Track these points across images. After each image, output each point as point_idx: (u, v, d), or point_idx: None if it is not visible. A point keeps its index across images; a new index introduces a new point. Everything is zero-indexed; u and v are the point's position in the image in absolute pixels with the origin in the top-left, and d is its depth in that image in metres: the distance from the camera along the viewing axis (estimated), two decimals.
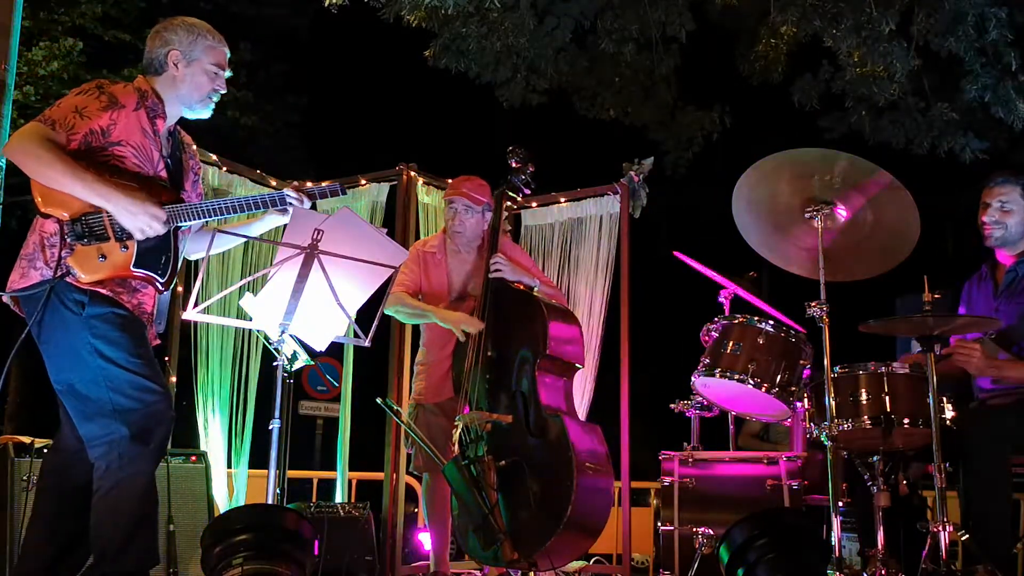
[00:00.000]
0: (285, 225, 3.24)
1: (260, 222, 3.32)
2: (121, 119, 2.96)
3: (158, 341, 3.14)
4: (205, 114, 3.23)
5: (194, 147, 3.34)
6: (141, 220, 2.91)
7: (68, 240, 2.86)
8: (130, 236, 2.93)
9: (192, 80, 3.12)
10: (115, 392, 2.87)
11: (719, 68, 8.60)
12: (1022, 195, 3.69)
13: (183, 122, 3.28)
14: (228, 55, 3.22)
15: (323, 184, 3.26)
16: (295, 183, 3.25)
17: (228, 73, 3.22)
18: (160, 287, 3.04)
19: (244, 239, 3.49)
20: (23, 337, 2.88)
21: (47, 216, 2.89)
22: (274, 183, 5.18)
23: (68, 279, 2.87)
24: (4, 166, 3.87)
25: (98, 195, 2.87)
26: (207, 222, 3.17)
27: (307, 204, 3.22)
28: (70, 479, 3.02)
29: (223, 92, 3.22)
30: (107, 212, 2.89)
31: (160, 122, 3.09)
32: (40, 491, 3.10)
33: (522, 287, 4.14)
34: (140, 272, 2.95)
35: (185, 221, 3.04)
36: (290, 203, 3.17)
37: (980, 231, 3.78)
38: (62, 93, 4.37)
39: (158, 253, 2.99)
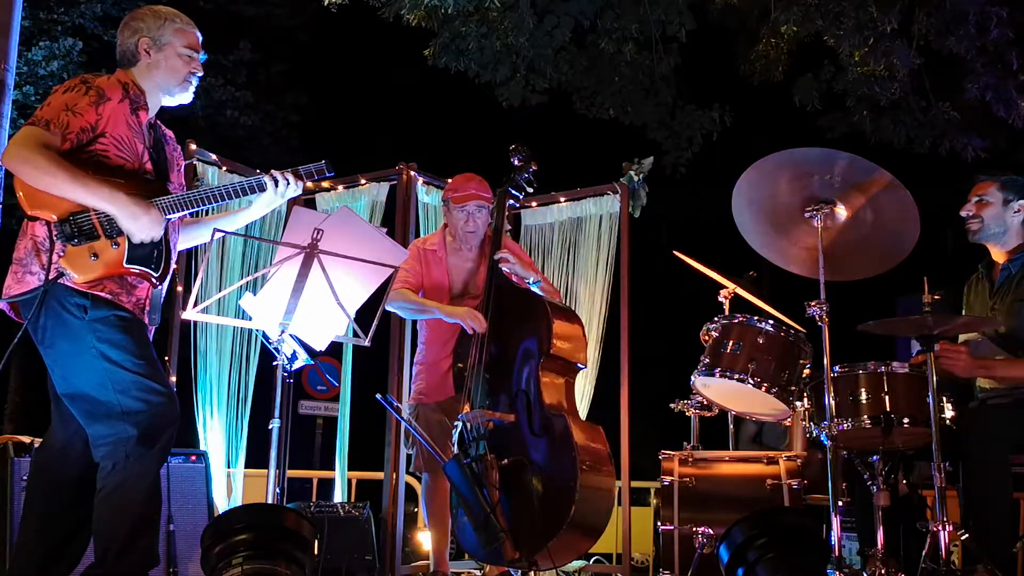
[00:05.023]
0: (285, 224, 3.22)
1: (249, 209, 3.29)
2: (107, 112, 2.95)
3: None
4: (186, 98, 3.21)
5: (175, 140, 3.32)
6: (143, 224, 2.91)
7: (58, 242, 2.85)
8: (120, 232, 2.91)
9: (167, 64, 3.12)
10: (122, 394, 2.86)
11: (719, 68, 8.61)
12: (999, 188, 3.76)
13: (170, 124, 3.28)
14: (200, 37, 3.21)
15: (309, 165, 3.20)
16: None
17: (203, 56, 3.21)
18: (155, 281, 3.02)
19: (240, 229, 3.42)
20: (19, 337, 2.87)
21: (34, 219, 2.88)
22: None
23: (64, 281, 2.86)
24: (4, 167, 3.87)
25: (102, 199, 2.87)
26: (194, 212, 3.15)
27: (294, 185, 3.16)
28: (58, 476, 3.01)
29: (201, 74, 3.20)
30: (95, 210, 2.88)
31: (143, 114, 3.08)
32: (29, 490, 3.10)
33: (524, 285, 4.15)
34: (134, 268, 2.94)
35: (174, 213, 3.03)
36: (269, 184, 3.13)
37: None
38: None
39: (150, 247, 2.97)
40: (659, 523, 4.08)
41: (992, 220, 3.74)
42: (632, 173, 5.35)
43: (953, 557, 3.33)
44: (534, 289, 4.16)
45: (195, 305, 3.30)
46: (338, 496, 5.36)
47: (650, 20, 7.47)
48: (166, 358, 4.64)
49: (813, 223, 3.47)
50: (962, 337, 3.78)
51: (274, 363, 3.37)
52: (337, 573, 4.35)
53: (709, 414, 4.42)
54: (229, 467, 4.96)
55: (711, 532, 3.79)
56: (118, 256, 2.91)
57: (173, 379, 4.63)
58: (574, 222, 5.57)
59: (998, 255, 3.80)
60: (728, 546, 3.00)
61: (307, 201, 5.43)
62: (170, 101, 3.20)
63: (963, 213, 3.81)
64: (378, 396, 3.77)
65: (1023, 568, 4.34)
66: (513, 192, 4.31)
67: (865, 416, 3.36)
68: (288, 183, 3.16)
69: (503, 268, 4.08)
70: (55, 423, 3.05)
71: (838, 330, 3.39)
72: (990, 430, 3.40)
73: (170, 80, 3.14)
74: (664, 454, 4.18)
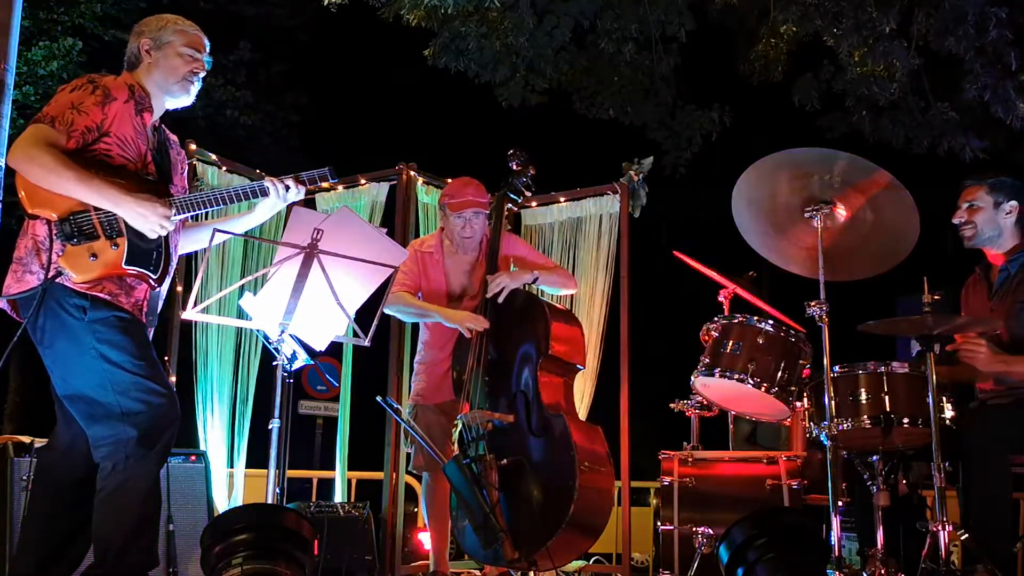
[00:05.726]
0: (285, 225, 3.23)
1: (252, 213, 3.31)
2: (112, 112, 2.97)
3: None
4: (187, 100, 3.22)
5: (178, 144, 3.34)
6: (152, 222, 2.93)
7: (58, 241, 2.86)
8: (120, 233, 2.92)
9: (165, 63, 3.14)
10: (122, 395, 2.87)
11: (719, 68, 8.61)
12: (988, 192, 3.73)
13: (170, 124, 3.28)
14: (206, 41, 3.23)
15: (312, 171, 3.23)
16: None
17: (208, 58, 3.22)
18: (153, 283, 3.03)
19: (242, 233, 3.45)
20: (18, 335, 2.88)
21: (35, 217, 2.89)
22: None
23: (64, 281, 2.87)
24: (4, 165, 3.86)
25: (108, 200, 2.88)
26: (196, 215, 3.16)
27: (295, 190, 3.20)
28: (63, 476, 3.02)
29: (202, 74, 3.21)
30: (95, 210, 2.89)
31: (147, 115, 3.10)
32: (34, 491, 3.11)
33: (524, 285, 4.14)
34: (132, 269, 2.94)
35: (177, 215, 3.04)
36: (271, 189, 3.16)
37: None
38: None
39: (149, 249, 2.98)
40: (659, 523, 4.09)
41: (985, 224, 3.72)
42: (632, 173, 5.35)
43: (953, 557, 3.33)
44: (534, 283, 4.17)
45: (195, 305, 3.30)
46: (338, 496, 5.36)
47: (650, 20, 7.47)
48: (166, 358, 4.64)
49: (813, 223, 3.47)
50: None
51: (274, 363, 3.37)
52: (337, 573, 4.35)
53: (709, 414, 4.43)
54: (229, 467, 4.96)
55: (711, 532, 3.79)
56: (117, 257, 2.91)
57: (173, 379, 4.63)
58: (574, 222, 5.57)
59: (995, 257, 3.79)
60: (728, 546, 3.00)
61: (307, 201, 5.42)
62: (173, 103, 3.21)
63: (955, 221, 3.78)
64: (378, 398, 3.77)
65: (1023, 568, 4.34)
66: (511, 196, 4.32)
67: (865, 416, 3.36)
68: (289, 188, 3.19)
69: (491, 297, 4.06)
70: (60, 424, 3.06)
71: (838, 330, 3.39)
72: (990, 430, 3.40)
73: (169, 78, 3.14)
74: (664, 454, 4.19)
